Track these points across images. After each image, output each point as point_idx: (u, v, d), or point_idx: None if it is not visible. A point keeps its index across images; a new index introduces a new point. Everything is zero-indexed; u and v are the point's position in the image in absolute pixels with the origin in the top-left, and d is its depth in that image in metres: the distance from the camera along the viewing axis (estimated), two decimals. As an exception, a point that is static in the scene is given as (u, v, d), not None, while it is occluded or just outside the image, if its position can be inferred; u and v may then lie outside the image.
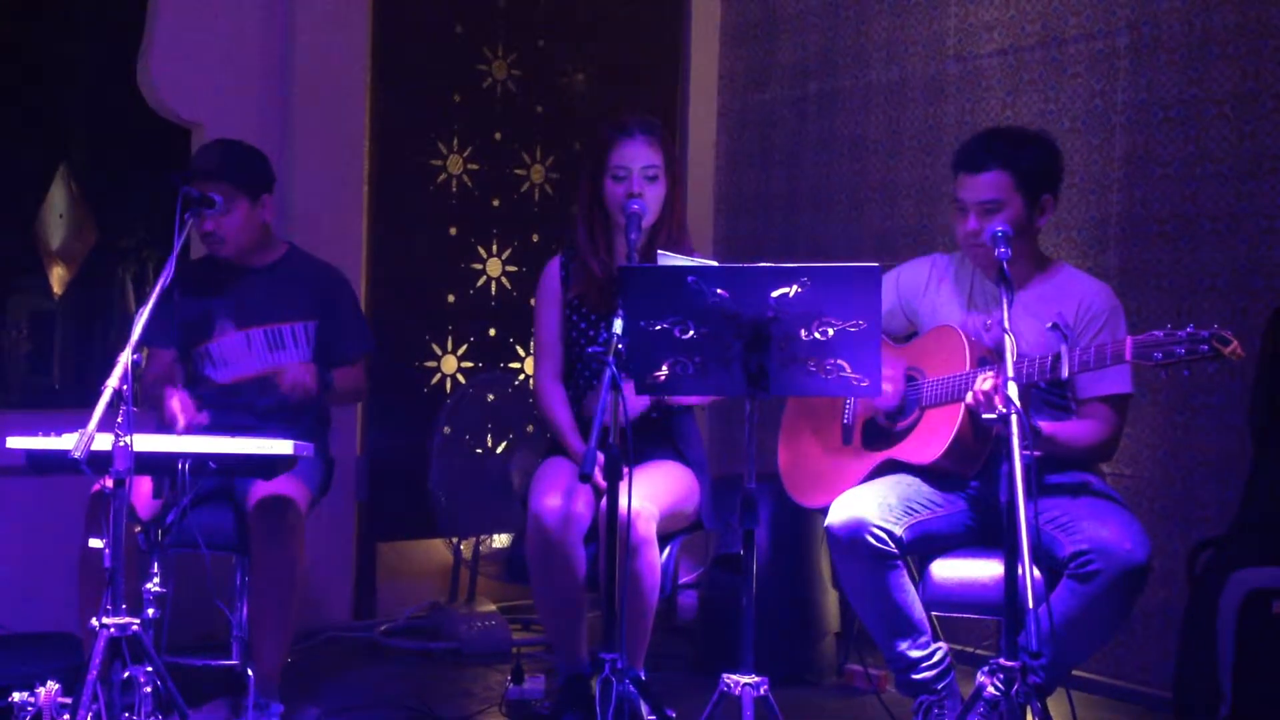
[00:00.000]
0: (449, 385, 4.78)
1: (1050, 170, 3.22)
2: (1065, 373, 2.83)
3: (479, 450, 4.60)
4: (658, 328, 2.70)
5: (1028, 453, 2.57)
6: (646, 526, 3.16)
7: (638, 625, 3.24)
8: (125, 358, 2.73)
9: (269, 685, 3.36)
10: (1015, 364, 2.77)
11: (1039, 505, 2.89)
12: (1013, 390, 2.64)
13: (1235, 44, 3.77)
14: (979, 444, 3.11)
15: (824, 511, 3.23)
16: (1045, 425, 3.04)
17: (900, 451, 3.24)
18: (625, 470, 2.82)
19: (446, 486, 4.47)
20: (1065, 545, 2.97)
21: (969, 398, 2.96)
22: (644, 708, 2.90)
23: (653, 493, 3.23)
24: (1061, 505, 3.06)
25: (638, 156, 3.37)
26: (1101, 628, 3.00)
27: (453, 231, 4.87)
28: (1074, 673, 3.82)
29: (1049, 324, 2.88)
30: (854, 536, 3.08)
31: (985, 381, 2.88)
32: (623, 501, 2.83)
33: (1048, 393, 3.20)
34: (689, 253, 3.34)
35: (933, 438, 3.16)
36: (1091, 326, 3.18)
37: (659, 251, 3.08)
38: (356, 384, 3.73)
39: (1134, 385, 3.20)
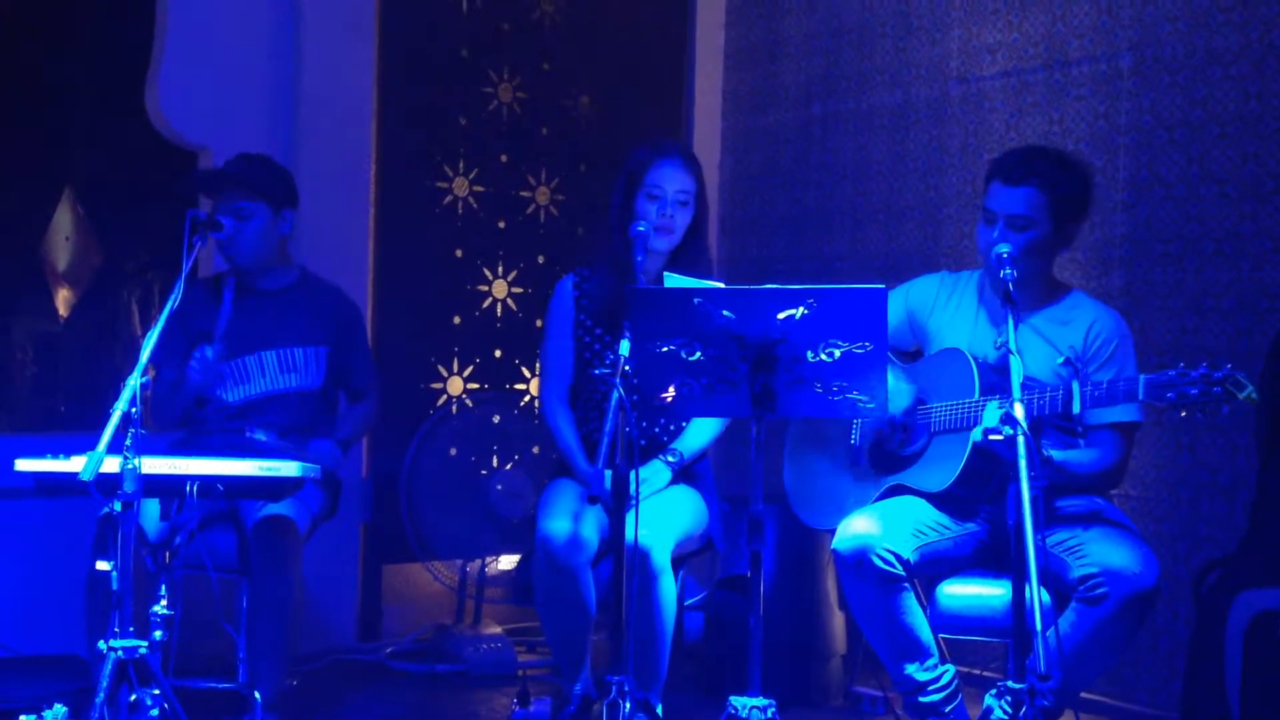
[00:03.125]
0: (455, 407, 4.79)
1: (1084, 201, 3.21)
2: (1077, 408, 2.82)
3: (484, 472, 4.60)
4: (664, 349, 2.71)
5: (1035, 479, 2.56)
6: (660, 559, 3.16)
7: (653, 656, 3.23)
8: (134, 381, 2.74)
9: (270, 708, 3.36)
10: (1027, 396, 2.76)
11: (1049, 530, 2.89)
12: (1019, 411, 2.63)
13: (1238, 65, 3.79)
14: (989, 470, 3.10)
15: (830, 532, 3.23)
16: (1055, 454, 3.04)
17: (910, 478, 3.23)
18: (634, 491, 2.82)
19: (443, 509, 4.47)
20: (1074, 569, 2.97)
21: (978, 433, 2.93)
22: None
23: (665, 523, 3.23)
24: (1072, 530, 3.06)
25: (674, 179, 3.41)
26: (1109, 651, 2.99)
27: (459, 253, 4.88)
28: (1081, 695, 3.82)
29: (1060, 359, 2.88)
30: (861, 559, 3.07)
31: (993, 416, 2.86)
32: (630, 520, 2.83)
33: (1056, 417, 3.19)
34: (707, 276, 3.35)
35: (943, 465, 3.15)
36: (1101, 353, 3.18)
37: (665, 273, 3.10)
38: (367, 421, 3.84)
39: (1144, 414, 3.19)
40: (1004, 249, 3.01)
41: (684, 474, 3.50)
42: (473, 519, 4.50)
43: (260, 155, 3.75)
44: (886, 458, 3.31)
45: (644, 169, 3.44)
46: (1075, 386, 2.82)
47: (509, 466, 4.62)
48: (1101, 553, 2.96)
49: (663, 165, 3.43)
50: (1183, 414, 2.76)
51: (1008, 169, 3.17)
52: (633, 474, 2.80)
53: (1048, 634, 2.59)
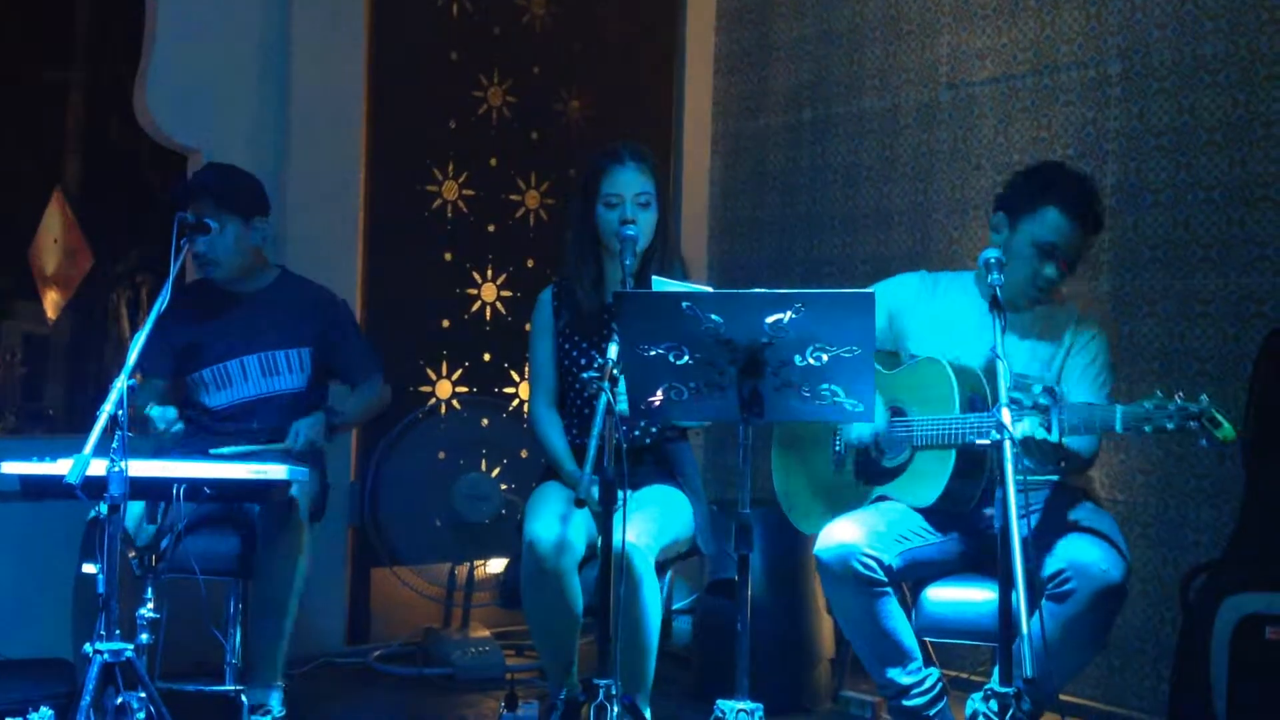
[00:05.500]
0: (443, 410, 4.79)
1: None
2: (1055, 437, 2.83)
3: (460, 475, 4.59)
4: (652, 353, 2.71)
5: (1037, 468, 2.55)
6: (644, 564, 3.16)
7: (639, 662, 3.23)
8: (121, 383, 2.73)
9: (271, 677, 3.36)
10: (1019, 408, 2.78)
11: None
12: (1006, 417, 2.64)
13: (1225, 72, 3.80)
14: (973, 485, 3.11)
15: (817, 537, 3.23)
16: (1068, 441, 3.04)
17: (895, 491, 3.24)
18: (621, 495, 2.82)
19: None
20: (1044, 566, 2.99)
21: (1021, 433, 2.86)
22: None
23: (651, 528, 3.23)
24: (1047, 525, 3.07)
25: (630, 183, 3.39)
26: (1080, 648, 2.99)
27: (448, 257, 4.88)
28: (1068, 698, 3.83)
29: (1042, 389, 2.89)
30: (843, 564, 3.08)
31: (1033, 424, 2.85)
32: (618, 524, 2.83)
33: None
34: (683, 278, 3.35)
35: (926, 482, 3.15)
36: (1081, 339, 3.24)
37: (655, 277, 3.09)
38: (371, 401, 3.80)
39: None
40: (992, 254, 3.00)
41: (671, 476, 3.49)
42: (437, 523, 4.48)
43: (228, 166, 3.73)
44: (870, 466, 3.31)
45: (598, 178, 3.41)
46: (1054, 415, 2.83)
47: (476, 469, 4.58)
48: (1068, 549, 2.97)
49: (617, 172, 3.40)
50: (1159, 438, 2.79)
51: (1084, 215, 3.20)
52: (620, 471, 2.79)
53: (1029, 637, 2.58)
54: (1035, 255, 3.19)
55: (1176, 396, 2.72)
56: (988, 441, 2.68)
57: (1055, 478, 3.24)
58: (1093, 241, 3.29)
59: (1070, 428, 2.85)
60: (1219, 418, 2.67)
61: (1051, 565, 2.98)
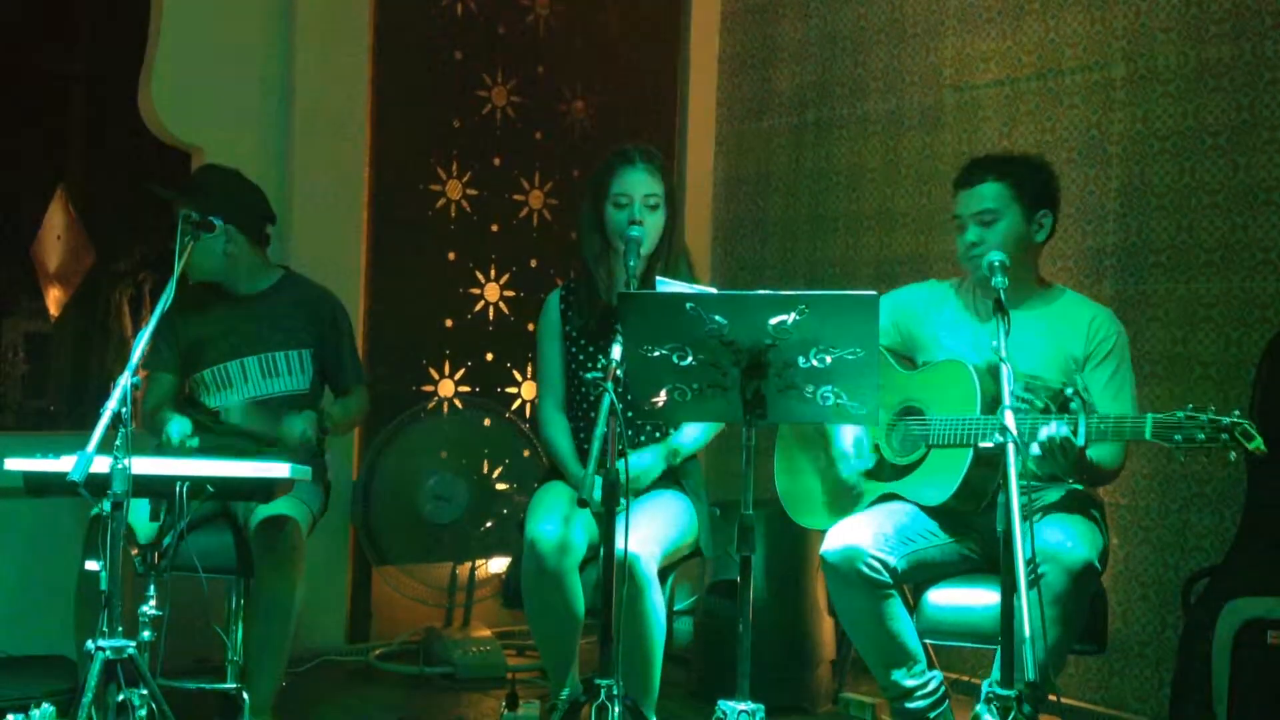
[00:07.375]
0: (446, 409, 4.79)
1: (1046, 185, 3.27)
2: (1080, 441, 2.84)
3: (475, 476, 4.60)
4: (656, 354, 2.71)
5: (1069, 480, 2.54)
6: (649, 568, 3.15)
7: (644, 669, 3.22)
8: (124, 380, 2.73)
9: (263, 707, 3.36)
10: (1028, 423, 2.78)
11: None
12: (1010, 420, 2.64)
13: (1230, 76, 3.80)
14: (985, 485, 3.11)
15: (821, 533, 3.23)
16: (1090, 452, 3.04)
17: (905, 488, 3.23)
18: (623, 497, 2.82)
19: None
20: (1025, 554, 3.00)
21: (1036, 447, 2.92)
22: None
23: (654, 534, 3.22)
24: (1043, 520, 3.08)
25: (639, 184, 3.39)
26: (1058, 633, 2.98)
27: (451, 256, 4.88)
28: (1069, 701, 3.83)
29: (1073, 392, 2.90)
30: (848, 565, 3.08)
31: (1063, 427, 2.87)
32: (620, 525, 2.83)
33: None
34: (690, 279, 3.35)
35: (940, 481, 3.14)
36: (1101, 348, 3.20)
37: (658, 278, 3.09)
38: (357, 410, 3.79)
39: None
40: (996, 257, 3.00)
41: (674, 478, 3.49)
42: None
43: (216, 168, 3.72)
44: (881, 464, 3.31)
45: (608, 178, 3.42)
46: (1081, 419, 2.84)
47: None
48: (1044, 536, 2.98)
49: (627, 172, 3.40)
50: (1183, 458, 2.79)
51: (965, 174, 3.28)
52: (622, 481, 2.79)
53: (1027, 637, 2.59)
54: (958, 237, 3.27)
55: (1210, 408, 2.73)
56: (991, 445, 2.68)
57: (1067, 482, 3.24)
58: (995, 192, 3.20)
59: (1098, 434, 2.86)
60: (1252, 430, 2.69)
61: (1028, 553, 2.98)
